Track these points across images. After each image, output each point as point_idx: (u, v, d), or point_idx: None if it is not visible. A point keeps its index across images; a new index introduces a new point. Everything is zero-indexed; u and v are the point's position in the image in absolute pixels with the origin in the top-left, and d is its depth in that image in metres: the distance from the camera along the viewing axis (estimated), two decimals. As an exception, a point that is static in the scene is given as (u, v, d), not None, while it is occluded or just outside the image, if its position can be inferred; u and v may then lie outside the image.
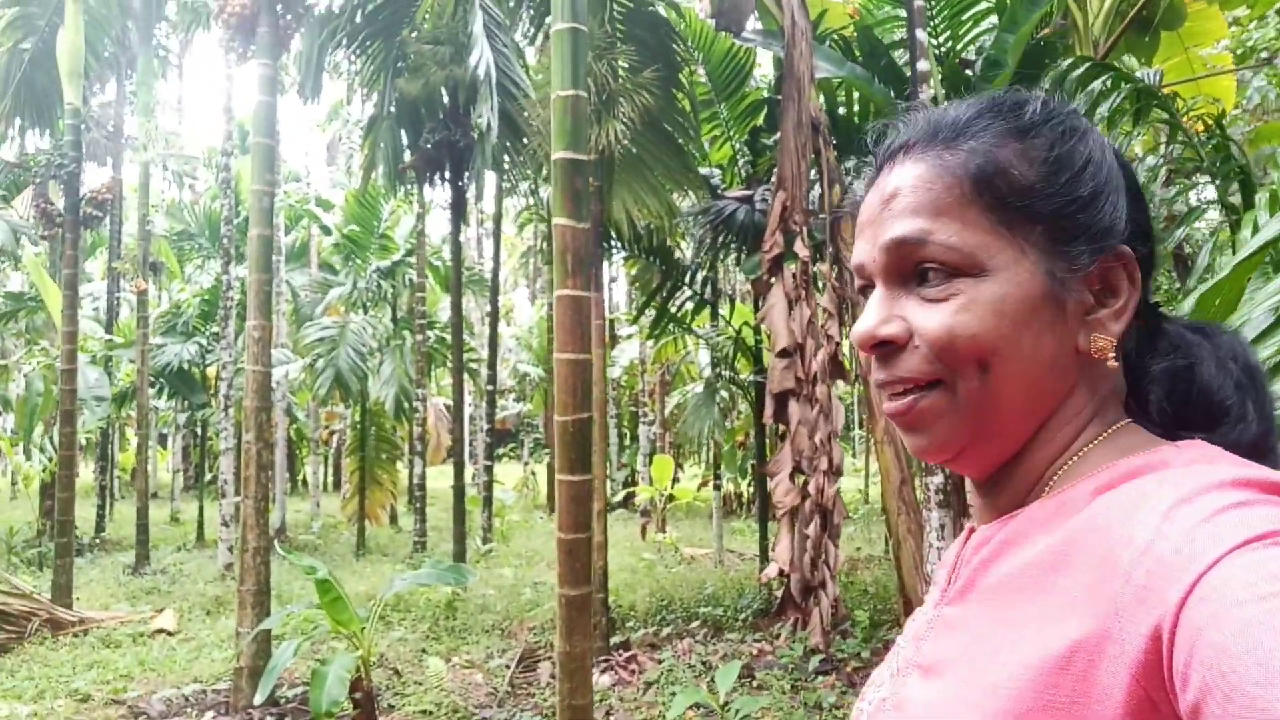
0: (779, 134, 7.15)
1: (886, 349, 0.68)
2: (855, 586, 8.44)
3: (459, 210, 9.76)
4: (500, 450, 24.65)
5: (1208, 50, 8.52)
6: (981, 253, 0.65)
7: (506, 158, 9.66)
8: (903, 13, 7.72)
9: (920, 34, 5.90)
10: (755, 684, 5.91)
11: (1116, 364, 0.68)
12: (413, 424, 13.90)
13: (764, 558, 8.50)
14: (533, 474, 21.24)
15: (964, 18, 7.70)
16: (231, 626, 7.42)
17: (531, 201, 16.66)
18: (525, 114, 9.67)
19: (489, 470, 12.65)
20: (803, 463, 6.77)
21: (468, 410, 34.91)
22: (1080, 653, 0.55)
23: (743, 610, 7.76)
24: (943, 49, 7.60)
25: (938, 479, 5.66)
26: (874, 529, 12.88)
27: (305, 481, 23.81)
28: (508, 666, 6.58)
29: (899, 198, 0.68)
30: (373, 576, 9.84)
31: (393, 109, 9.28)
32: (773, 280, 6.90)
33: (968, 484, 0.77)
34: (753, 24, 7.70)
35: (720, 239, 7.91)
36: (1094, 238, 0.67)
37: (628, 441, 19.35)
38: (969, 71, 7.39)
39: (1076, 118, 0.70)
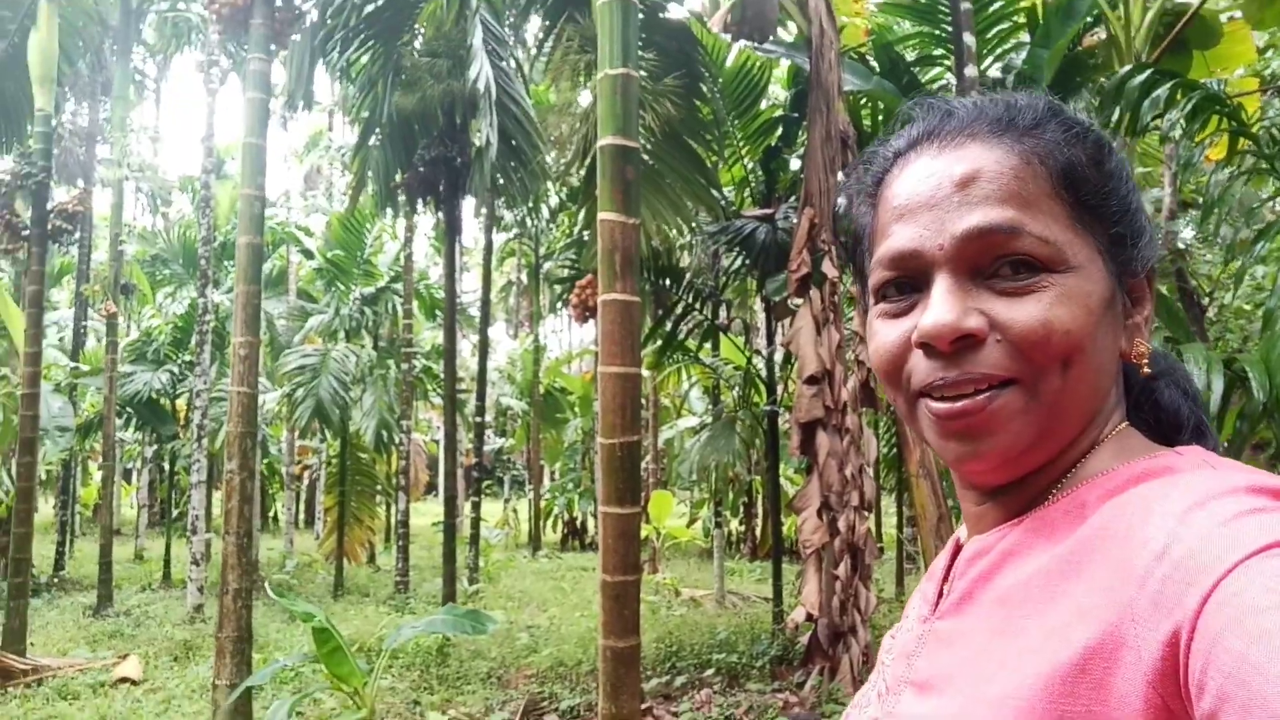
0: (805, 149, 6.76)
1: (962, 344, 0.63)
2: (883, 632, 7.90)
3: (453, 232, 9.28)
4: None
5: (1234, 75, 8.30)
6: (1068, 248, 0.63)
7: (503, 179, 9.24)
8: (924, 28, 7.41)
9: (968, 38, 5.54)
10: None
11: (1149, 370, 0.69)
12: (395, 458, 13.32)
13: (777, 599, 7.97)
14: (514, 511, 20.57)
15: (989, 35, 7.37)
16: (203, 675, 6.77)
17: (519, 232, 16.31)
18: (528, 133, 9.30)
19: (476, 507, 12.03)
20: (831, 498, 6.29)
21: (444, 445, 34.24)
22: (1095, 661, 0.53)
23: (759, 657, 7.22)
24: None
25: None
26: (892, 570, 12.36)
27: (276, 518, 22.99)
28: (511, 720, 6.00)
29: (980, 182, 0.64)
30: (355, 619, 9.19)
31: (387, 121, 8.80)
32: (798, 302, 6.46)
33: (961, 495, 0.73)
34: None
35: (739, 260, 7.47)
36: (1143, 245, 0.68)
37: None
38: (999, 89, 7.05)
39: (1100, 131, 0.69)
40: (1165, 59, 6.88)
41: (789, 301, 6.83)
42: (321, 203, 17.92)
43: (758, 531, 15.85)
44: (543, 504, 18.49)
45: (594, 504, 18.49)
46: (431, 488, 30.25)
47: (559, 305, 10.09)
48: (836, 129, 6.48)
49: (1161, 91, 4.94)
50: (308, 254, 14.13)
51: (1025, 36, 7.41)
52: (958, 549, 0.74)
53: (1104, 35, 7.04)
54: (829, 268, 6.38)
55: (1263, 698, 0.44)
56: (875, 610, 6.39)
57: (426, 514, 18.97)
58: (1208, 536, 0.52)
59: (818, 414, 6.26)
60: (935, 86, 7.90)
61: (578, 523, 19.47)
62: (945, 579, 0.73)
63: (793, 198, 7.58)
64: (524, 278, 21.82)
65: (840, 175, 6.50)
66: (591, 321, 8.53)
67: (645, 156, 6.36)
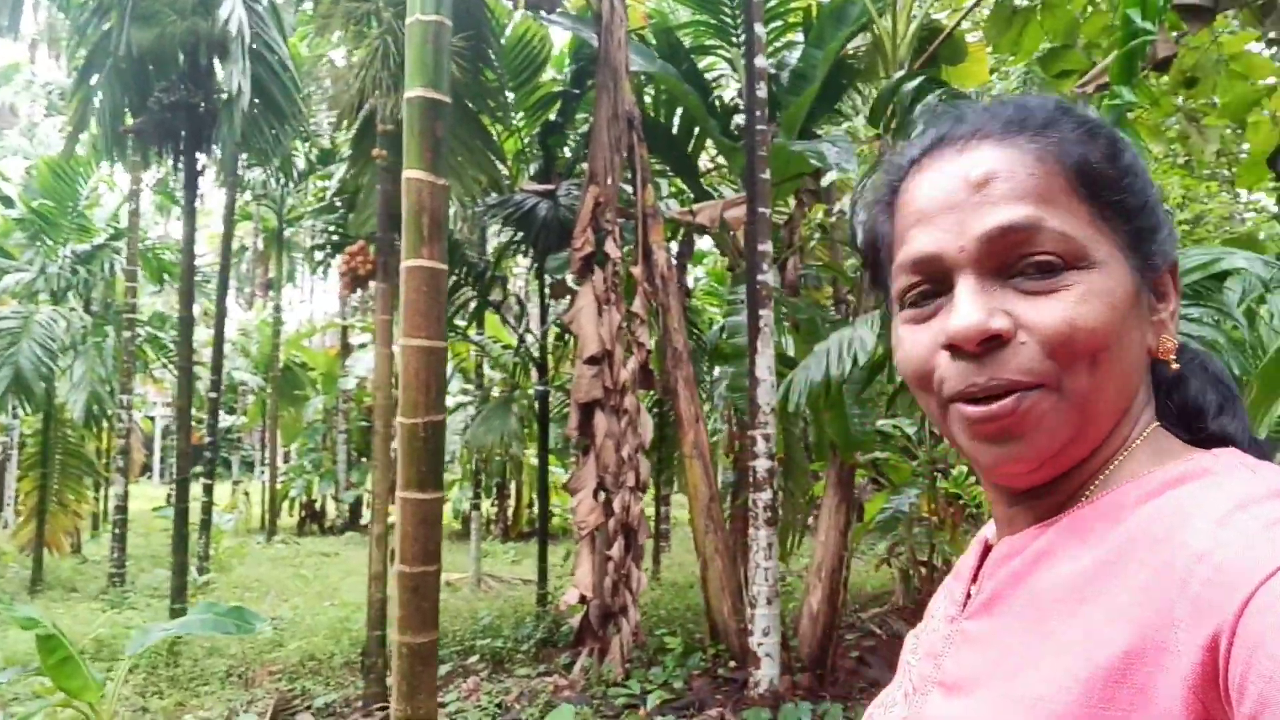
0: (590, 126, 6.65)
1: (990, 344, 0.62)
2: (650, 612, 7.98)
3: (194, 186, 8.34)
4: (198, 468, 22.11)
5: (969, 91, 9.08)
6: (1089, 244, 0.63)
7: (253, 134, 8.43)
8: (703, 17, 7.52)
9: (759, 28, 5.65)
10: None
11: (1177, 365, 0.68)
12: (110, 436, 11.94)
13: (542, 581, 7.88)
14: (245, 494, 19.10)
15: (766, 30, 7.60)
16: None
17: (262, 193, 15.05)
18: (284, 85, 8.55)
19: (208, 490, 11.00)
20: (607, 479, 6.26)
21: (160, 424, 31.26)
22: (1134, 665, 0.53)
23: (524, 641, 7.09)
24: (741, 61, 7.46)
25: (766, 495, 5.37)
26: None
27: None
28: (259, 723, 5.49)
29: (997, 182, 0.64)
30: (63, 618, 8.09)
31: (115, 58, 7.75)
32: (579, 282, 6.37)
33: (991, 496, 0.73)
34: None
35: (515, 236, 7.24)
36: (1163, 240, 0.68)
37: (354, 459, 17.82)
38: (773, 86, 7.26)
39: (1111, 127, 0.69)
40: (920, 72, 7.40)
41: (569, 280, 6.72)
42: (21, 143, 15.63)
43: (510, 513, 15.68)
44: (279, 486, 17.28)
45: (334, 486, 17.55)
46: (146, 469, 27.59)
47: (320, 272, 9.36)
48: (623, 108, 6.43)
49: (931, 98, 5.28)
50: (6, 201, 12.29)
51: (797, 36, 7.71)
52: (986, 549, 0.74)
53: (867, 42, 7.47)
54: (612, 247, 6.33)
55: None
56: (643, 589, 6.44)
57: (139, 498, 17.15)
58: (1250, 541, 0.52)
59: (597, 395, 6.21)
60: (712, 76, 8.06)
61: (316, 506, 18.41)
62: (974, 579, 0.72)
63: (572, 174, 7.47)
64: (260, 243, 20.24)
65: (624, 154, 6.47)
66: (342, 292, 8.01)
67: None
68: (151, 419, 29.02)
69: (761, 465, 5.37)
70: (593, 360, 6.21)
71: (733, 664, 6.02)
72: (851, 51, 7.55)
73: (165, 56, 8.25)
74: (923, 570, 7.84)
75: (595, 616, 6.32)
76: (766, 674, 5.24)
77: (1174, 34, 5.83)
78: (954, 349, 0.64)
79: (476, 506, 10.38)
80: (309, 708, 5.90)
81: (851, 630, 7.23)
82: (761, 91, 5.55)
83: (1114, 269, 0.64)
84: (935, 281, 0.66)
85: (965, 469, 9.28)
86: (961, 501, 11.42)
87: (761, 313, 5.40)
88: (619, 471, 6.28)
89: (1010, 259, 0.63)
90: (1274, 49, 6.64)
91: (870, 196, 0.76)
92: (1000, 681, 0.61)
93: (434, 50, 3.17)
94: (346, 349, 17.70)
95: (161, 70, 8.37)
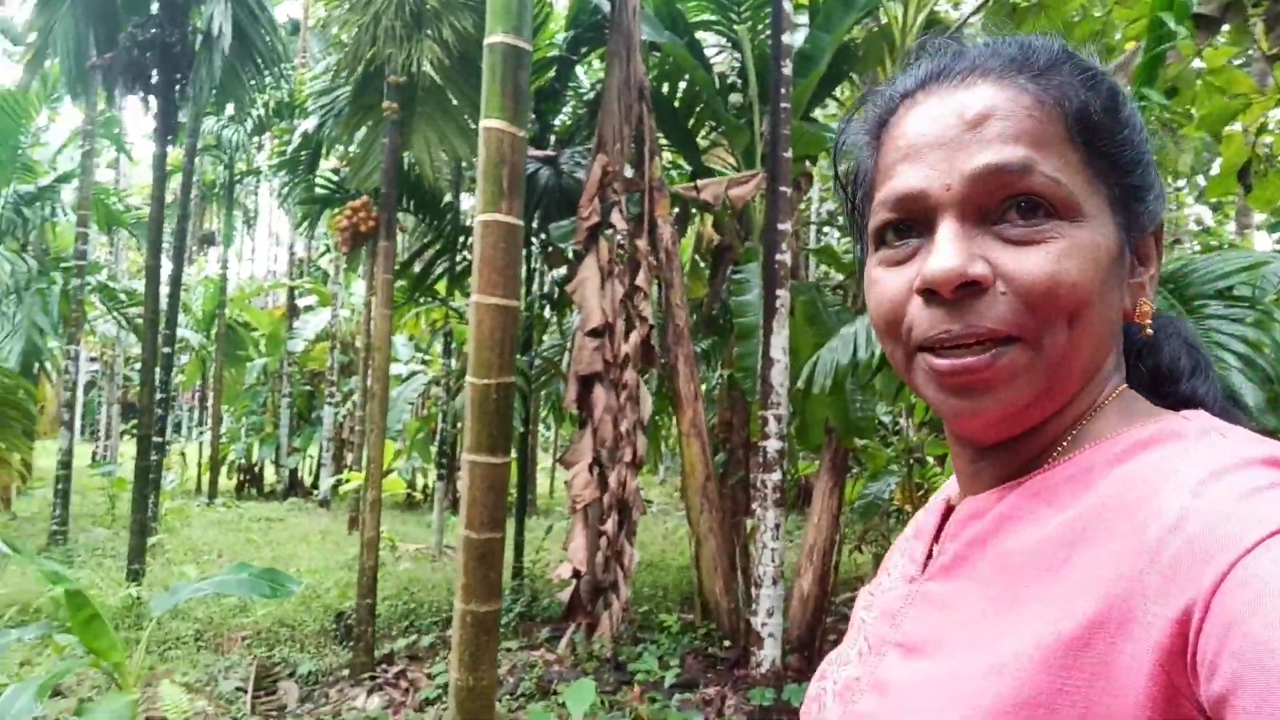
0: (601, 94, 6.52)
1: (967, 291, 0.60)
2: (640, 589, 7.89)
3: (167, 130, 7.95)
4: (130, 426, 21.35)
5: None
6: (1080, 195, 0.61)
7: (232, 79, 8.08)
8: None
9: (786, 5, 5.57)
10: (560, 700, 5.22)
11: (1151, 331, 0.66)
12: (48, 388, 11.42)
13: (518, 554, 7.77)
14: (182, 455, 18.48)
15: (764, 11, 7.53)
16: None
17: (215, 144, 14.47)
18: (263, 30, 8.23)
19: (160, 449, 10.59)
20: (604, 453, 6.18)
21: (85, 377, 30.05)
22: (1100, 634, 0.52)
23: (503, 614, 6.98)
24: (753, 43, 7.38)
25: (776, 476, 5.35)
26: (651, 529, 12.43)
27: None
28: (242, 690, 5.30)
29: (993, 121, 0.61)
30: (17, 577, 7.71)
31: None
32: (583, 252, 6.25)
33: (955, 452, 0.71)
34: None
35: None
36: (1151, 200, 0.65)
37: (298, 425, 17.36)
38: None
39: (1114, 79, 0.65)
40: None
41: (572, 249, 6.59)
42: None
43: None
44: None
45: (276, 451, 17.07)
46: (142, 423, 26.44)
47: (305, 227, 9.02)
48: (635, 77, 6.32)
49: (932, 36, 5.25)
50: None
51: (800, 18, 7.66)
52: (948, 509, 0.72)
53: (868, 29, 7.46)
54: (618, 218, 6.22)
55: None
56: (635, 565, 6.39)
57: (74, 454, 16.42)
58: (1224, 511, 0.50)
59: (597, 368, 6.11)
60: (714, 52, 7.97)
61: (256, 469, 17.91)
62: (935, 539, 0.71)
63: (576, 141, 7.32)
64: (199, 197, 19.49)
65: (634, 124, 6.36)
66: (341, 248, 7.77)
67: (434, 76, 5.81)
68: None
69: (772, 446, 5.35)
70: (594, 333, 6.11)
71: (726, 643, 6.01)
72: (851, 37, 7.54)
73: (138, -10, 7.86)
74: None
75: (586, 591, 6.26)
76: (769, 654, 5.23)
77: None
78: (929, 293, 0.61)
79: (443, 477, 10.19)
80: (291, 675, 5.72)
81: (829, 614, 7.29)
82: (787, 69, 5.49)
83: (1102, 225, 0.62)
84: (916, 221, 0.64)
85: (937, 461, 9.45)
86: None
87: (779, 293, 5.36)
88: (616, 446, 6.21)
89: (997, 202, 0.61)
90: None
91: (856, 128, 0.73)
92: (962, 646, 0.60)
93: (518, -3, 3.04)
94: (294, 310, 17.19)
95: (132, 4, 7.96)
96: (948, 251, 0.60)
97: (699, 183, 6.62)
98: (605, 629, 6.12)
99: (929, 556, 0.70)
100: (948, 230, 0.61)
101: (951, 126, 0.63)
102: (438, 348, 14.08)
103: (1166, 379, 0.69)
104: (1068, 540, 0.57)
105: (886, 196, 0.65)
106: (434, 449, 15.30)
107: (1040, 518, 0.61)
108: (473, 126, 6.16)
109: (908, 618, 0.67)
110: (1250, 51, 8.54)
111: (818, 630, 6.20)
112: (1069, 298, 0.59)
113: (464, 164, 6.72)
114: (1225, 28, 6.01)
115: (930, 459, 9.42)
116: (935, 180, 0.62)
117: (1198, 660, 0.47)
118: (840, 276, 6.90)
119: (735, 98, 7.61)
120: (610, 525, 6.15)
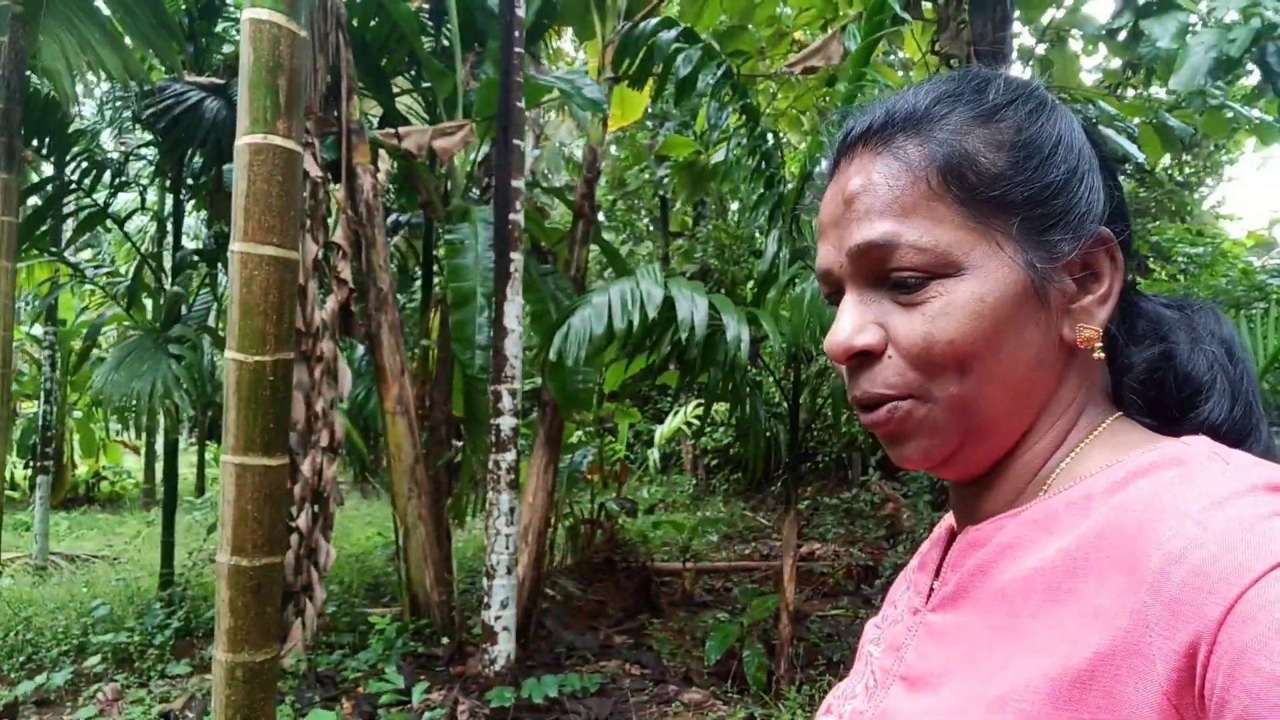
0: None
1: (863, 359, 0.64)
2: (342, 589, 6.90)
3: None
4: None
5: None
6: (956, 250, 0.61)
7: None
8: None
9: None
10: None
11: (1102, 355, 0.65)
12: None
13: (166, 558, 6.56)
14: None
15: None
16: None
17: None
18: None
19: None
20: (295, 438, 5.33)
21: None
22: (1106, 667, 0.51)
23: (156, 632, 5.82)
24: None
25: (510, 456, 4.91)
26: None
27: None
28: None
29: (861, 197, 0.64)
30: None
31: None
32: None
33: (950, 485, 0.72)
34: None
35: (159, 135, 5.77)
36: (1073, 223, 0.64)
37: None
38: (476, 16, 6.63)
39: (1042, 93, 0.66)
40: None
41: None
42: None
43: (66, 475, 12.91)
44: None
45: None
46: None
47: None
48: (334, 3, 5.47)
49: (667, 35, 5.08)
50: None
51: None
52: (950, 537, 0.72)
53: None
54: (311, 164, 5.36)
55: None
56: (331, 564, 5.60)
57: None
58: (1229, 541, 0.49)
59: (288, 337, 5.23)
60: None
61: None
62: (938, 571, 0.71)
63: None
64: None
65: (329, 57, 5.51)
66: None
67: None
68: None
69: (506, 424, 4.91)
70: (286, 296, 5.21)
71: (445, 640, 5.47)
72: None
73: None
74: (587, 529, 7.85)
75: (272, 598, 5.36)
76: (504, 649, 4.81)
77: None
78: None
79: (44, 470, 8.36)
80: None
81: (545, 600, 6.99)
82: (520, 9, 5.01)
83: (990, 271, 0.61)
84: (838, 292, 0.67)
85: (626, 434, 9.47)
86: (630, 458, 11.71)
87: (513, 256, 4.90)
88: (310, 429, 5.39)
89: (880, 272, 0.63)
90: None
91: (810, 201, 0.77)
92: (966, 678, 0.60)
93: None
94: None
95: None
96: (840, 325, 0.64)
97: (400, 130, 5.91)
98: (297, 640, 5.31)
99: (932, 589, 0.70)
100: (846, 302, 0.65)
101: (839, 206, 0.66)
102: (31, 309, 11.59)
103: (1172, 403, 0.67)
104: (1069, 569, 0.56)
105: (816, 273, 0.70)
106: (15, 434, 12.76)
107: (1041, 545, 0.60)
108: (130, 39, 4.95)
109: (911, 650, 0.67)
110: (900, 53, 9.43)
111: (533, 615, 5.87)
112: (945, 354, 0.60)
113: (117, 84, 5.38)
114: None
115: (622, 433, 9.46)
116: (832, 258, 0.66)
117: (1206, 694, 0.46)
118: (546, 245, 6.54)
119: (427, 41, 6.92)
120: (303, 520, 5.33)
